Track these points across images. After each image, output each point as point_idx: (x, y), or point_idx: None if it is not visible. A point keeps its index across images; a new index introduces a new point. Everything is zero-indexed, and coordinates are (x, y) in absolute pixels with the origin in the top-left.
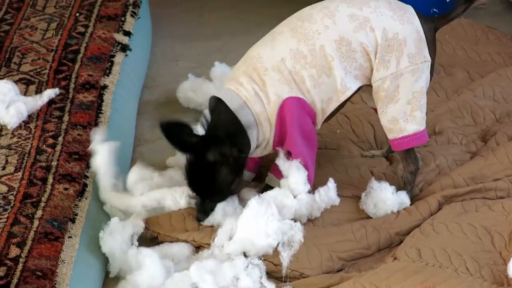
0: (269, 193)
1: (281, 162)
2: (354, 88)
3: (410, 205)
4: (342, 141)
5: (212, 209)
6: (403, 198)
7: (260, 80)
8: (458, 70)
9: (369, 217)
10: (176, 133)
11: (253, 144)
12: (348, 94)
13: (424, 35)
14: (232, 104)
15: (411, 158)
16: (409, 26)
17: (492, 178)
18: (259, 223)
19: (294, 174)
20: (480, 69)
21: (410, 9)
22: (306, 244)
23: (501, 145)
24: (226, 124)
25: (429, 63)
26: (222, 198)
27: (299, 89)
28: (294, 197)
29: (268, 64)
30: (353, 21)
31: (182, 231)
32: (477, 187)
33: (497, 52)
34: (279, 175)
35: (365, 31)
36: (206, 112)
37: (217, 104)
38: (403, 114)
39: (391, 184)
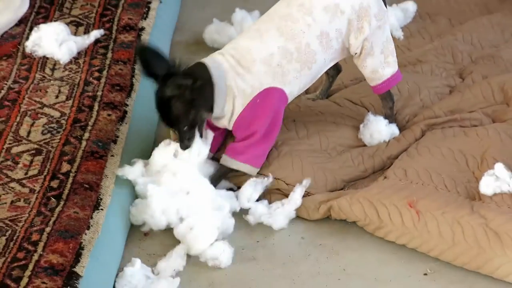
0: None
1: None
2: (325, 70)
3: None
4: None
5: (189, 138)
6: (394, 129)
7: (246, 67)
8: (441, 17)
9: (365, 145)
10: (149, 58)
11: (217, 105)
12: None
13: None
14: (213, 66)
15: (389, 96)
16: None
17: (468, 110)
18: None
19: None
20: (460, 17)
21: None
22: (313, 168)
23: (477, 82)
24: (197, 72)
25: (387, 13)
26: (188, 128)
27: (282, 81)
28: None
29: (257, 56)
30: (327, 12)
31: None
32: (454, 117)
33: (475, 3)
34: (233, 154)
35: (338, 17)
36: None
37: (198, 64)
38: (380, 63)
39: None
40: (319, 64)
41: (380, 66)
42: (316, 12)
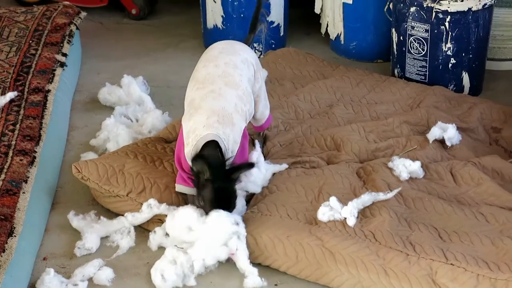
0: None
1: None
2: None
3: None
4: None
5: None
6: None
7: (231, 122)
8: (287, 81)
9: None
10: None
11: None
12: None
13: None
14: (221, 142)
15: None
16: (255, 55)
17: (307, 155)
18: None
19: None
20: (302, 81)
21: (248, 47)
22: None
23: (312, 134)
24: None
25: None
26: None
27: (245, 119)
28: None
29: (230, 110)
30: (244, 64)
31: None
32: (297, 159)
33: (313, 70)
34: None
35: (250, 68)
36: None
37: (210, 142)
38: (265, 106)
39: None
40: (252, 104)
41: (265, 108)
42: (239, 65)
